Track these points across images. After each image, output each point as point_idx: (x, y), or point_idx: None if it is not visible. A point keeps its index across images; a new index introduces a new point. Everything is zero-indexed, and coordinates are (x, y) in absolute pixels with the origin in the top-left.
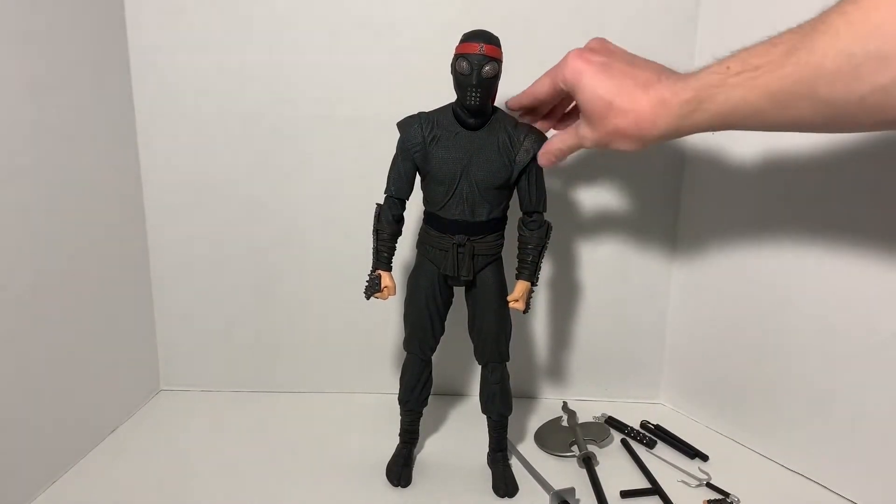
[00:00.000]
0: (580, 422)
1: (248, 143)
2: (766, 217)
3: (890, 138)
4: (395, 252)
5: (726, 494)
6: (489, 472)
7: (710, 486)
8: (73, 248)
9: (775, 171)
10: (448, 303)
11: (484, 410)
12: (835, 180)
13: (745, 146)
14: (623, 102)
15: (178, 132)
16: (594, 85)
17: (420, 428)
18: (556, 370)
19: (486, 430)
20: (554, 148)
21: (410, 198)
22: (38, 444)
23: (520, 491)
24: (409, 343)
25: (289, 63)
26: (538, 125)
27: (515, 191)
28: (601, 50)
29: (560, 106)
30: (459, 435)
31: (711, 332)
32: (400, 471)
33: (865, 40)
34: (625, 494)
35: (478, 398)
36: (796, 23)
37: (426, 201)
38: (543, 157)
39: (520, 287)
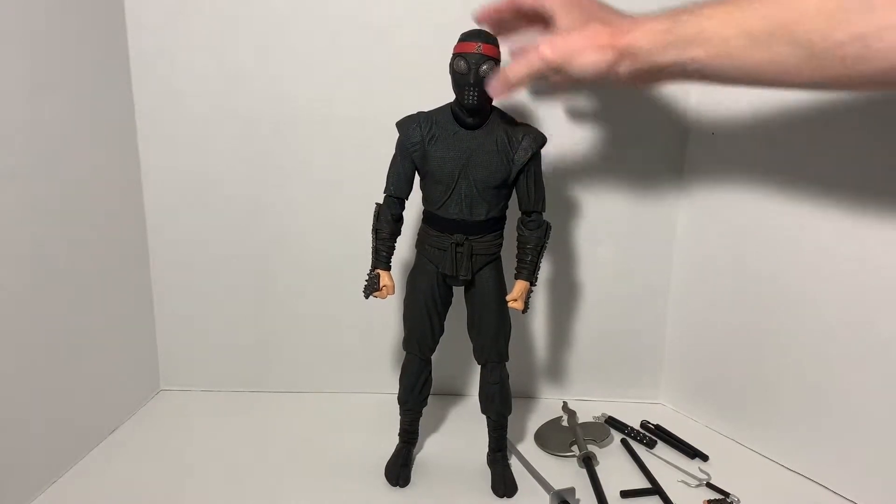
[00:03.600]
0: (580, 422)
1: (248, 143)
2: (765, 217)
3: (892, 136)
4: (395, 251)
5: (726, 494)
6: (489, 472)
7: (710, 486)
8: (73, 248)
9: (775, 171)
10: (447, 302)
11: (483, 410)
12: (835, 180)
13: (745, 146)
14: (603, 17)
15: (178, 132)
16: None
17: (419, 428)
18: (556, 370)
19: (486, 430)
20: (512, 72)
21: (410, 197)
22: (38, 444)
23: (520, 491)
24: (408, 343)
25: (289, 63)
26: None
27: (514, 190)
28: None
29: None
30: (459, 435)
31: (711, 332)
32: (399, 471)
33: None
34: (625, 494)
35: (477, 398)
36: None
37: (425, 201)
38: (497, 85)
39: (519, 287)
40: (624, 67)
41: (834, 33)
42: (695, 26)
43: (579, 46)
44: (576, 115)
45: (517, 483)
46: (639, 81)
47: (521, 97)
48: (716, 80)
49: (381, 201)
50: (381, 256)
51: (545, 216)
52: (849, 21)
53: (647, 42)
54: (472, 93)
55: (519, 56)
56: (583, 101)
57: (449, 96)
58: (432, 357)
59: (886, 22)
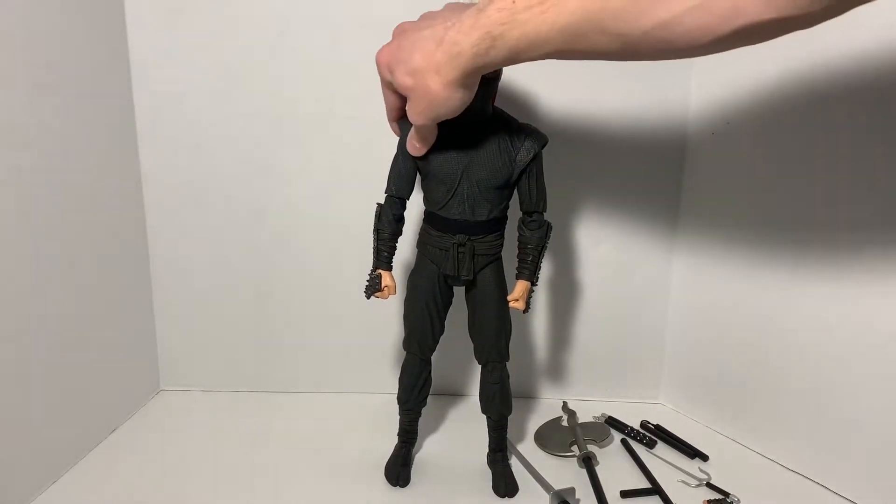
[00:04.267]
0: (580, 422)
1: (248, 143)
2: (766, 217)
3: (890, 139)
4: (396, 252)
5: (726, 494)
6: (489, 472)
7: (710, 486)
8: (73, 248)
9: (775, 171)
10: (448, 303)
11: (484, 410)
12: (835, 181)
13: (745, 146)
14: (418, 84)
15: (178, 132)
16: (396, 75)
17: (419, 428)
18: (556, 370)
19: (486, 430)
20: (413, 140)
21: (411, 197)
22: (38, 444)
23: (520, 491)
24: (408, 343)
25: (289, 63)
26: None
27: (516, 191)
28: (395, 34)
29: None
30: (459, 435)
31: (711, 331)
32: (399, 470)
33: None
34: (625, 494)
35: (477, 398)
36: None
37: (426, 201)
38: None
39: (520, 287)
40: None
41: (639, 23)
42: (516, 35)
43: (427, 112)
44: (577, 115)
45: (518, 483)
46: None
47: (522, 97)
48: (534, 60)
49: (381, 201)
50: (383, 257)
51: (546, 216)
52: (650, 10)
53: (471, 67)
54: None
55: None
56: (583, 101)
57: None
58: (432, 357)
59: (681, 7)
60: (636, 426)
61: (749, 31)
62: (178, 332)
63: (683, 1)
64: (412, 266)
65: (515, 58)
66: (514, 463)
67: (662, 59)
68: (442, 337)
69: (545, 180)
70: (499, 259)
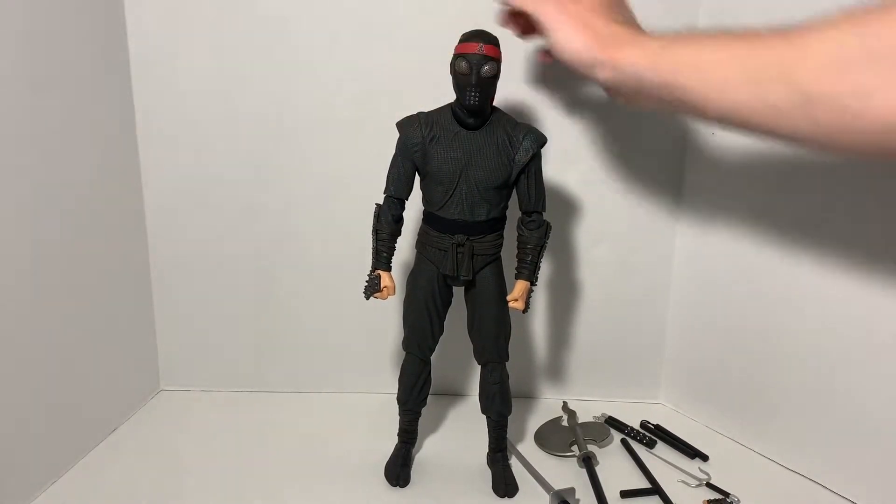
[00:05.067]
0: (580, 422)
1: (248, 143)
2: (766, 217)
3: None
4: (395, 252)
5: (726, 494)
6: (489, 472)
7: (710, 486)
8: (73, 248)
9: (776, 171)
10: (447, 303)
11: (483, 410)
12: (835, 181)
13: (745, 146)
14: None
15: (178, 132)
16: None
17: (419, 428)
18: (556, 370)
19: (486, 430)
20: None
21: (410, 198)
22: (38, 444)
23: (520, 491)
24: (408, 343)
25: (289, 63)
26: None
27: (514, 191)
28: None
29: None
30: (459, 435)
31: (711, 332)
32: (398, 471)
33: (861, 38)
34: (625, 494)
35: (477, 398)
36: (794, 21)
37: (425, 201)
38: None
39: (519, 287)
40: (605, 75)
41: (835, 82)
42: (689, 51)
43: (566, 26)
44: (576, 115)
45: (517, 483)
46: (617, 94)
47: (521, 97)
48: (700, 112)
49: (381, 202)
50: (382, 257)
51: (545, 216)
52: (852, 71)
53: (637, 58)
54: (473, 93)
55: None
56: (583, 101)
57: (449, 96)
58: (432, 357)
59: (891, 80)
60: (636, 426)
61: None
62: (178, 332)
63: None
64: (411, 266)
65: (674, 81)
66: (514, 463)
67: (835, 139)
68: (442, 337)
69: (544, 180)
70: (498, 259)
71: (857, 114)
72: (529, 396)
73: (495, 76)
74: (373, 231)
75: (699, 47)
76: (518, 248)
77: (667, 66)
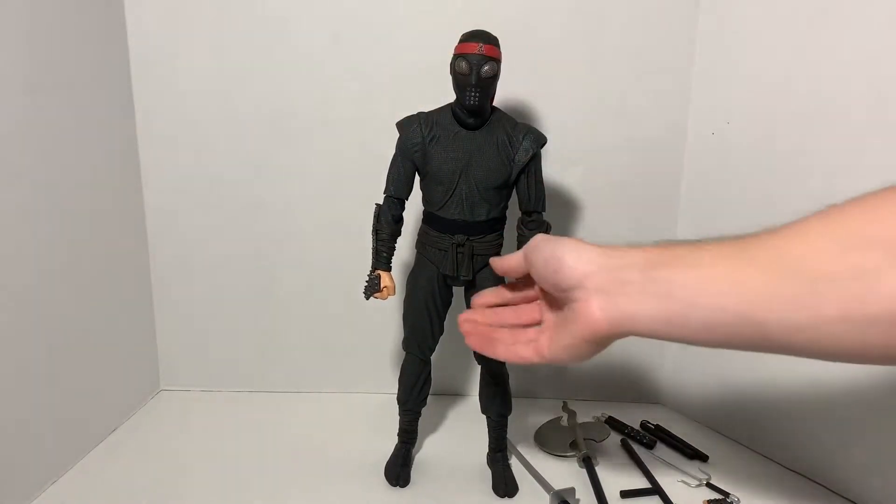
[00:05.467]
0: (580, 422)
1: (248, 143)
2: (766, 217)
3: (890, 137)
4: (395, 252)
5: (726, 494)
6: (489, 472)
7: (710, 486)
8: (73, 248)
9: (775, 171)
10: (447, 303)
11: (483, 410)
12: (835, 179)
13: (745, 146)
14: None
15: (178, 132)
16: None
17: (419, 428)
18: (556, 370)
19: (486, 430)
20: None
21: (410, 198)
22: (38, 444)
23: (520, 491)
24: (408, 343)
25: (289, 63)
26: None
27: (514, 191)
28: None
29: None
30: (459, 435)
31: None
32: (398, 470)
33: (857, 223)
34: (625, 494)
35: (477, 398)
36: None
37: (425, 201)
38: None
39: None
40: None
41: (834, 267)
42: (688, 251)
43: (567, 345)
44: (576, 115)
45: (517, 483)
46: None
47: (522, 97)
48: (688, 321)
49: (380, 202)
50: (382, 257)
51: (545, 216)
52: (851, 255)
53: (645, 325)
54: (473, 93)
55: (508, 341)
56: (583, 101)
57: (449, 96)
58: (432, 357)
59: (892, 260)
60: (636, 426)
61: None
62: (178, 332)
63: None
64: (411, 267)
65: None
66: (514, 463)
67: (842, 344)
68: (442, 337)
69: (544, 180)
70: None
71: (862, 299)
72: (529, 396)
73: (495, 76)
74: (373, 231)
75: (696, 247)
76: (518, 247)
77: (676, 322)
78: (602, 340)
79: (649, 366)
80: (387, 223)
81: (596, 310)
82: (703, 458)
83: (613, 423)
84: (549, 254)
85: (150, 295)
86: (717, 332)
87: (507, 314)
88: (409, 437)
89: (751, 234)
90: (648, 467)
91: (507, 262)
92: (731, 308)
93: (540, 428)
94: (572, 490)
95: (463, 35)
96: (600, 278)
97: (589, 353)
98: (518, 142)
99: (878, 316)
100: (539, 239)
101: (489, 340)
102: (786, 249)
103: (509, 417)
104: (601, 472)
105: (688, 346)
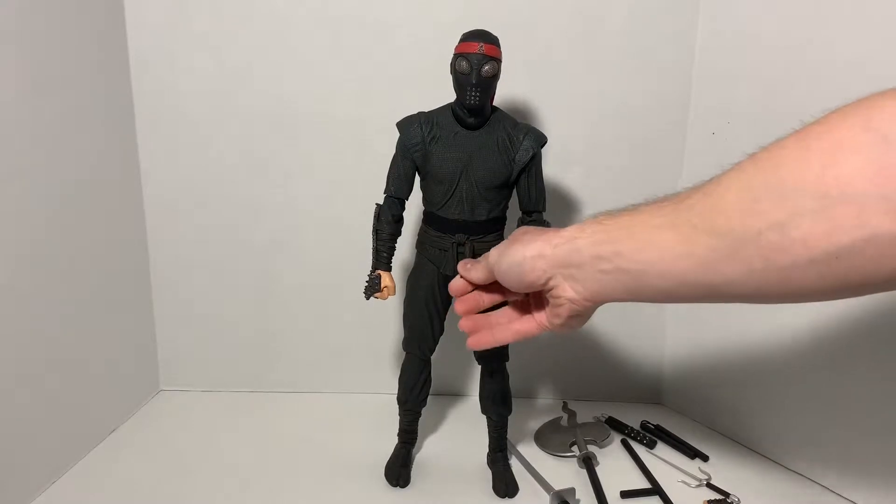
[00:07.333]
0: (580, 422)
1: (248, 143)
2: None
3: None
4: (395, 252)
5: (726, 494)
6: (489, 472)
7: (710, 486)
8: (73, 248)
9: None
10: (447, 303)
11: (484, 411)
12: None
13: (745, 146)
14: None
15: (178, 132)
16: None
17: (419, 428)
18: (556, 370)
19: (486, 430)
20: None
21: (410, 198)
22: (38, 444)
23: (520, 491)
24: (408, 343)
25: (289, 63)
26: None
27: (515, 190)
28: None
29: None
30: (459, 435)
31: (711, 332)
32: (399, 471)
33: (766, 175)
34: (625, 494)
35: (478, 398)
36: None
37: (426, 201)
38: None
39: None
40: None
41: (752, 221)
42: (625, 222)
43: (560, 324)
44: (576, 114)
45: (517, 483)
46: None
47: (522, 97)
48: (644, 287)
49: (381, 202)
50: (382, 257)
51: (545, 216)
52: (765, 209)
53: (613, 297)
54: (473, 93)
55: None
56: (583, 101)
57: (449, 96)
58: (432, 357)
59: (800, 208)
60: (636, 426)
61: (874, 244)
62: (178, 332)
63: (805, 202)
64: (411, 266)
65: (612, 251)
66: (514, 463)
67: (767, 283)
68: (442, 337)
69: (544, 180)
70: None
71: (779, 248)
72: (529, 396)
73: (495, 76)
74: (373, 231)
75: (632, 216)
76: None
77: (607, 241)
78: (586, 312)
79: (649, 366)
80: (387, 223)
81: (571, 293)
82: (703, 457)
83: (613, 423)
84: (506, 267)
85: (150, 295)
86: (672, 294)
87: (495, 290)
88: (409, 438)
89: (682, 193)
90: (648, 467)
91: (474, 274)
92: (674, 275)
93: (540, 428)
94: (572, 490)
95: (463, 35)
96: (559, 268)
97: (580, 323)
98: (518, 141)
99: (795, 261)
100: (493, 254)
101: (488, 329)
102: (710, 210)
103: (509, 417)
104: (601, 472)
105: (687, 345)
